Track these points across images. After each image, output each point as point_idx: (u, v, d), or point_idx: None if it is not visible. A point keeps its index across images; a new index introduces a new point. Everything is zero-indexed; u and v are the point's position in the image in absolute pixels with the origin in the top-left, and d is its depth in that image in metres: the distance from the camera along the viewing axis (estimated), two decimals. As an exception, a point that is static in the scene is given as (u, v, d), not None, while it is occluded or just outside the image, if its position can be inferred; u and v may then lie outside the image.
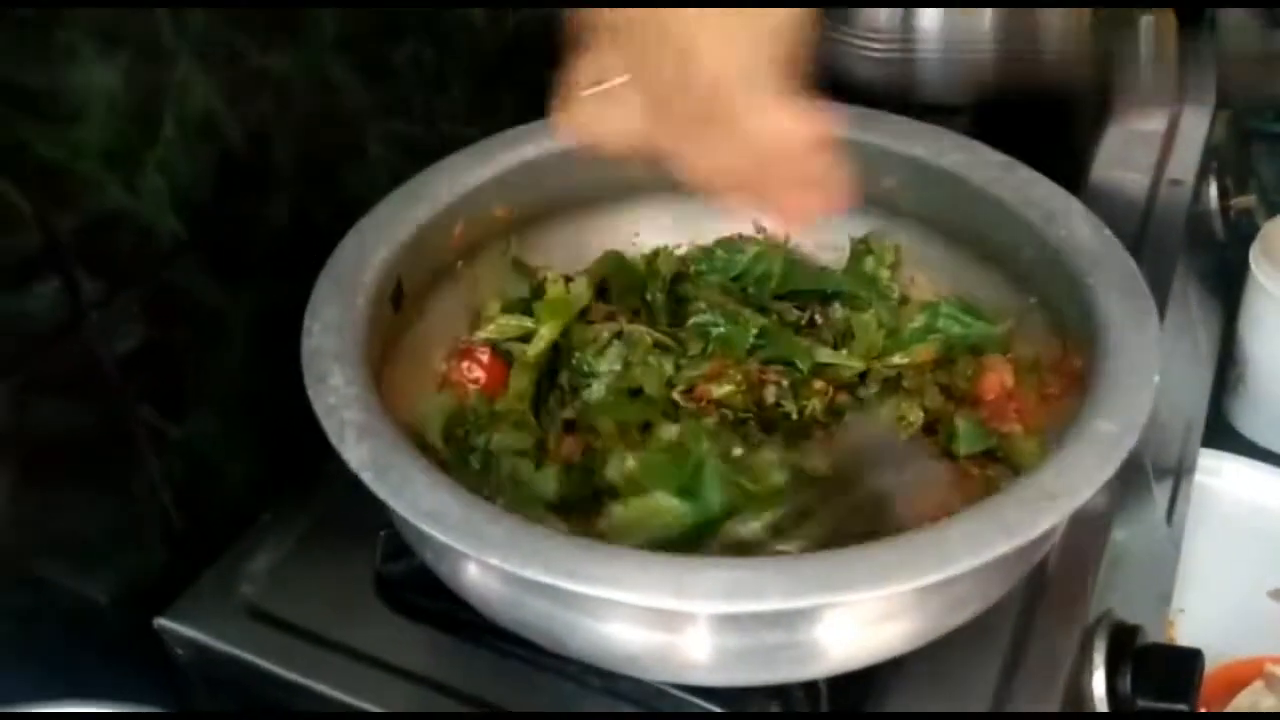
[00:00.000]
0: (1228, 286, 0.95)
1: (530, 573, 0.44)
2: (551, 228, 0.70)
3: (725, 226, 0.71)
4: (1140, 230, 0.88)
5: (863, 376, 0.62)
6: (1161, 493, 0.74)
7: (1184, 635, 0.78)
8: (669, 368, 0.61)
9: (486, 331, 0.66)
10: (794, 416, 0.60)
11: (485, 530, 0.45)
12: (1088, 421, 0.49)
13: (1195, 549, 0.83)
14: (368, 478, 0.47)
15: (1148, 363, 0.51)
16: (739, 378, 0.60)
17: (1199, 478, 0.84)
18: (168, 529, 0.63)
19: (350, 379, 0.52)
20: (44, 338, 0.54)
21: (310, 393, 0.51)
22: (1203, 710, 0.70)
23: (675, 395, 0.60)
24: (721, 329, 0.63)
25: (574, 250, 0.70)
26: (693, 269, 0.68)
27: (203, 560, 0.63)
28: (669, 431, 0.56)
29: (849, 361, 0.61)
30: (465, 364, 0.64)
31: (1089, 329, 0.54)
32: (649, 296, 0.66)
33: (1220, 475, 0.86)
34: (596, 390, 0.61)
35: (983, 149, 0.64)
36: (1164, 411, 0.79)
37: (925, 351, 0.61)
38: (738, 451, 0.54)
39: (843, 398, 0.61)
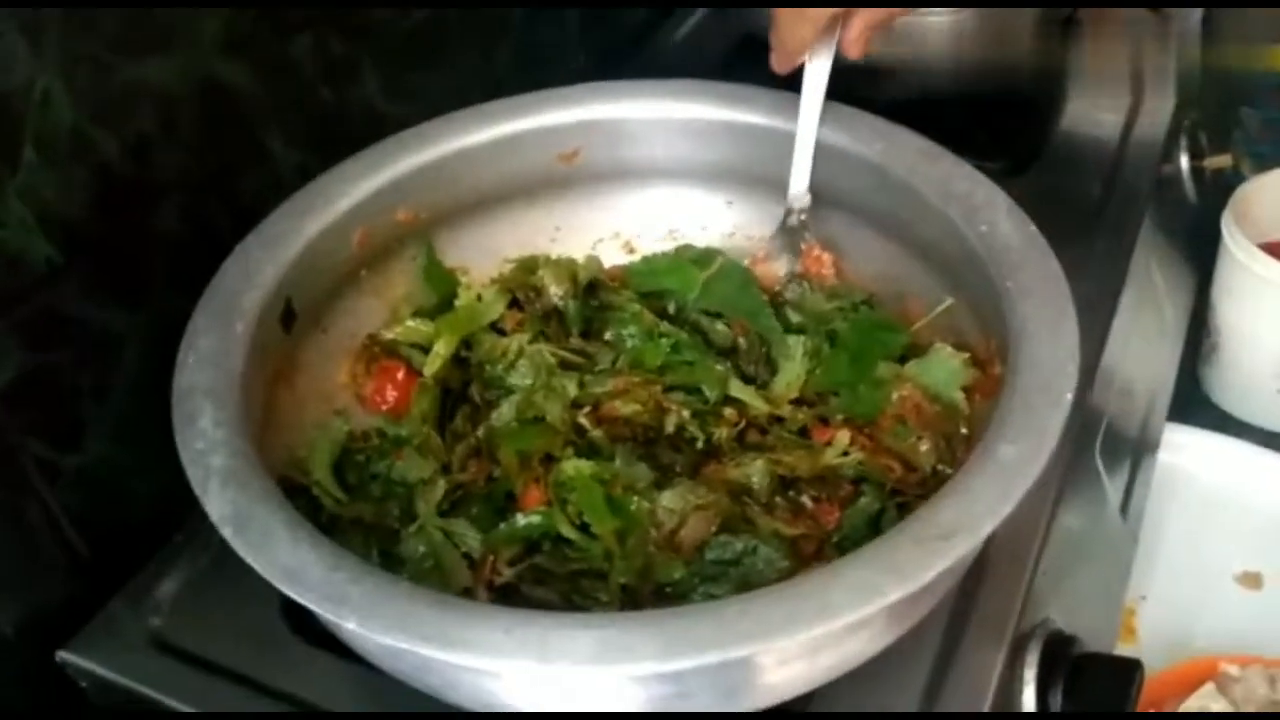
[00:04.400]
0: (1201, 249, 0.90)
1: (390, 639, 0.41)
2: (465, 227, 0.67)
3: (652, 217, 0.68)
4: (1104, 195, 0.84)
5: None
6: (1116, 485, 0.71)
7: (1146, 623, 0.75)
8: (573, 388, 0.57)
9: (393, 333, 0.63)
10: (699, 445, 0.57)
11: (346, 591, 0.43)
12: (990, 445, 0.46)
13: (1160, 532, 0.79)
14: (227, 533, 0.45)
15: (1061, 380, 0.47)
16: (644, 396, 0.57)
17: (1164, 456, 0.80)
18: (73, 558, 0.60)
19: (220, 420, 0.49)
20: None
21: (177, 436, 0.49)
22: (1151, 711, 0.68)
23: (581, 418, 0.57)
24: (635, 342, 0.60)
25: (489, 250, 0.67)
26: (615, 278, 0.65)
27: (116, 586, 0.61)
28: (567, 468, 0.53)
29: (756, 402, 0.57)
30: (382, 385, 0.62)
31: (1004, 337, 0.51)
32: (562, 305, 0.63)
33: (1186, 452, 0.82)
34: (505, 411, 0.58)
35: (906, 135, 0.60)
36: (1121, 388, 0.75)
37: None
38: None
39: (753, 435, 0.57)
